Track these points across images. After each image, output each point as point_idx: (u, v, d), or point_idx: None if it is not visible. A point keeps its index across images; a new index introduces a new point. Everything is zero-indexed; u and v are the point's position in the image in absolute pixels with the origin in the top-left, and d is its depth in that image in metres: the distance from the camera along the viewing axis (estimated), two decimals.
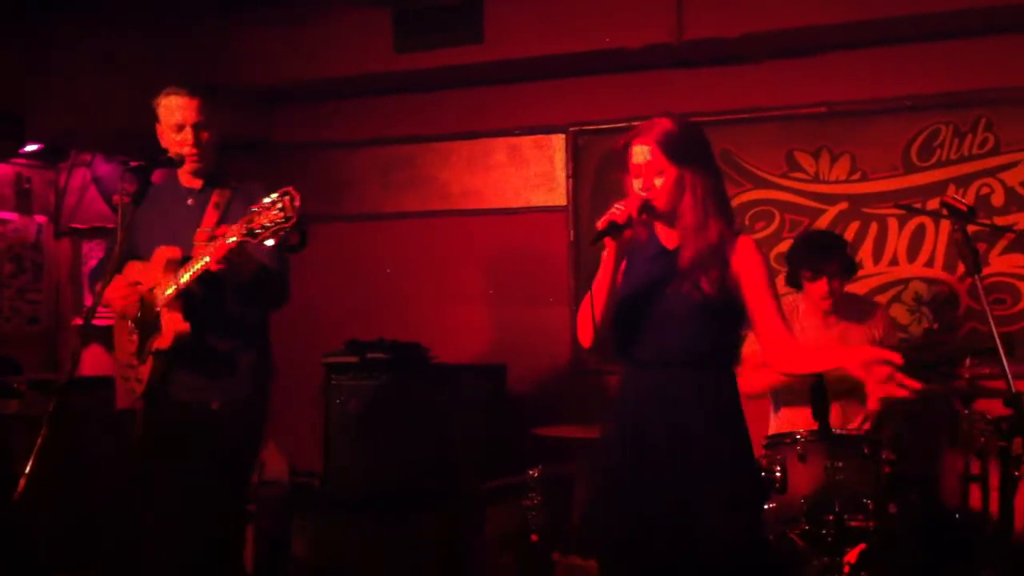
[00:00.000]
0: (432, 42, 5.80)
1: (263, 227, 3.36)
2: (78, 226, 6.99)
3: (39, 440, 3.18)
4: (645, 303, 3.21)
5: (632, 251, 3.28)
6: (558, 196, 6.09)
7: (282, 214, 3.33)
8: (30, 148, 6.58)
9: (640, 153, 3.15)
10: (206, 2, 6.08)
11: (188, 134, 3.92)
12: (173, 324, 3.78)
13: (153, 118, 4.02)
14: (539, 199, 6.14)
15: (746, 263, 3.18)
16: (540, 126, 6.15)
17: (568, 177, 6.07)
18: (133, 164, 3.82)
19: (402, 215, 6.48)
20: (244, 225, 3.42)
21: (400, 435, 5.41)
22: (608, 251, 3.15)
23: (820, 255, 4.64)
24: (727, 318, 3.23)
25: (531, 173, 6.20)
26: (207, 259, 3.60)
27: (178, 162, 3.93)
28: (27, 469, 3.15)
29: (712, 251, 3.16)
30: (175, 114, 3.92)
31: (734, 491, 3.18)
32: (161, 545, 3.96)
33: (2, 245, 6.69)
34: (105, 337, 4.20)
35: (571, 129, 6.05)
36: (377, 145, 6.54)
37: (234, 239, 3.48)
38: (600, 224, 3.08)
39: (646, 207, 3.13)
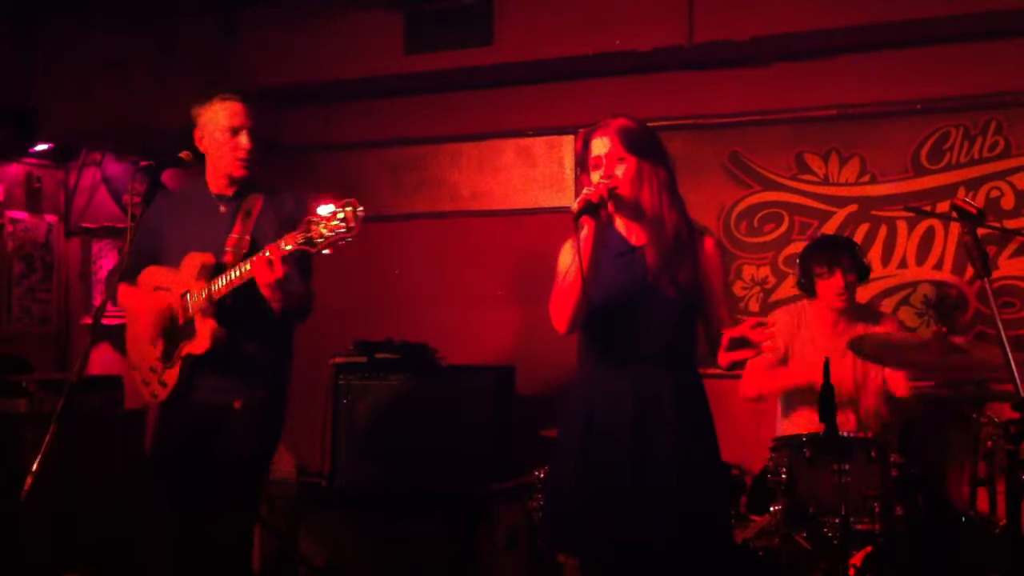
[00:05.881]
0: (442, 44, 5.81)
1: (323, 236, 3.36)
2: (88, 225, 7.01)
3: (47, 438, 3.19)
4: (619, 300, 3.27)
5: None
6: (567, 197, 6.05)
7: (343, 224, 3.34)
8: (40, 147, 6.60)
9: (600, 145, 3.28)
10: (216, 2, 6.09)
11: (244, 137, 3.92)
12: (209, 330, 3.78)
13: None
14: (548, 200, 6.12)
15: (713, 264, 3.30)
16: (550, 127, 6.15)
17: (577, 178, 6.06)
18: (143, 164, 3.83)
19: (411, 216, 6.48)
20: (302, 234, 3.41)
21: (407, 435, 5.42)
22: (588, 230, 3.18)
23: (832, 249, 4.71)
24: (694, 315, 3.32)
25: (540, 174, 6.20)
26: (247, 267, 3.60)
27: (188, 163, 3.91)
28: (34, 467, 3.16)
29: (681, 246, 3.23)
30: (233, 118, 3.92)
31: (707, 490, 3.24)
32: (172, 543, 3.98)
33: (12, 245, 6.70)
34: (114, 336, 4.20)
35: (581, 130, 6.01)
36: (387, 147, 6.54)
37: (290, 247, 3.46)
38: (578, 204, 3.13)
39: (612, 193, 3.19)
